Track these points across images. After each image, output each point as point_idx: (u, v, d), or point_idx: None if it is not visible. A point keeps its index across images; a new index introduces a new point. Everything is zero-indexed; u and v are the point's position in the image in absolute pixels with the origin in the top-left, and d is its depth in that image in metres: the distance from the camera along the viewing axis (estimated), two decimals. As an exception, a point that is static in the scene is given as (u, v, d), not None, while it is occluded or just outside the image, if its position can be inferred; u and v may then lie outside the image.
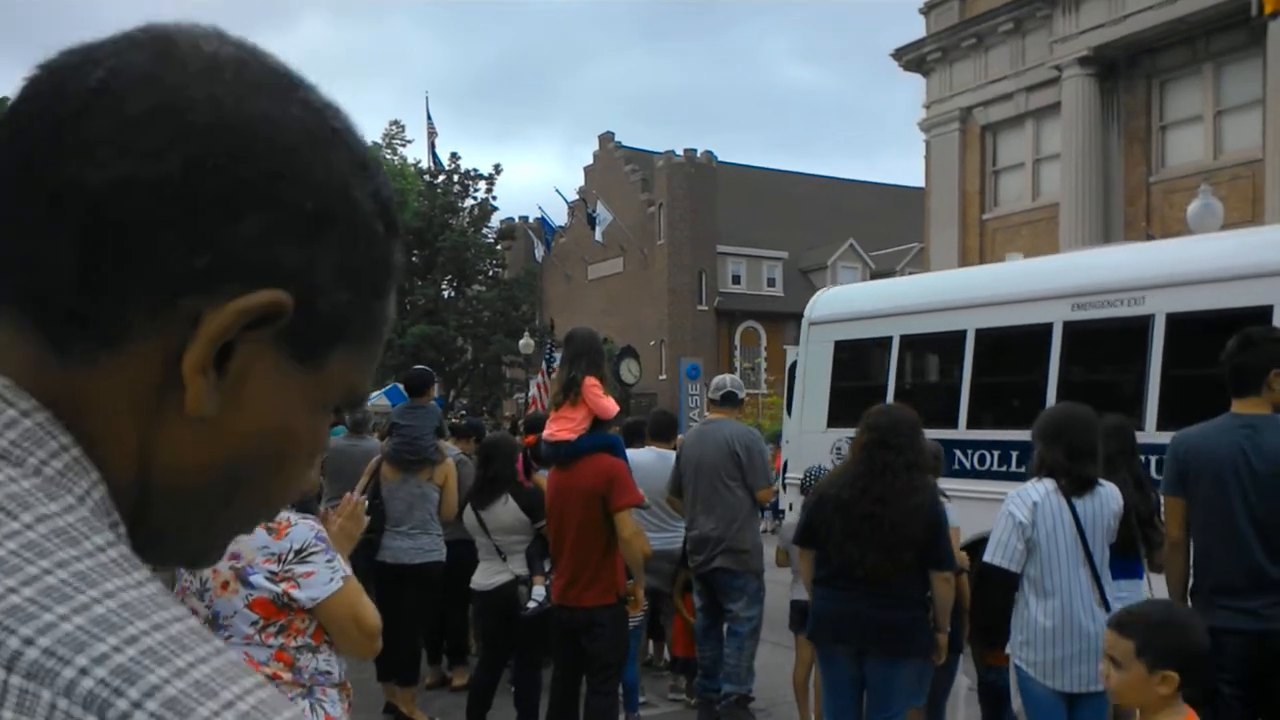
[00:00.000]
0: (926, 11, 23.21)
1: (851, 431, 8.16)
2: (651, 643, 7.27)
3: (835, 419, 8.95)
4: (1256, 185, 16.87)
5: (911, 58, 23.33)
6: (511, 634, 5.43)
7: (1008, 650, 3.97)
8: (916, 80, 23.59)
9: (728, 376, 6.68)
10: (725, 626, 6.02)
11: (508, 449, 5.71)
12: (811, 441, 9.11)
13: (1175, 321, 6.81)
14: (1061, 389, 7.16)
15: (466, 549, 5.82)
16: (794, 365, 12.24)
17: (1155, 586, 4.42)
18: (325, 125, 0.56)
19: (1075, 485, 3.78)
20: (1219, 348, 3.71)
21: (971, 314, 8.32)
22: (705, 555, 5.95)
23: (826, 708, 4.31)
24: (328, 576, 2.44)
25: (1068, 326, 7.48)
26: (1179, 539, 3.63)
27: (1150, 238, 16.65)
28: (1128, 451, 4.56)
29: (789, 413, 11.69)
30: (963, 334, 8.28)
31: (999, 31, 21.34)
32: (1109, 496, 3.85)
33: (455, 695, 6.40)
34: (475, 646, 6.69)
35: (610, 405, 4.69)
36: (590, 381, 4.65)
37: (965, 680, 4.82)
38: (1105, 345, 7.55)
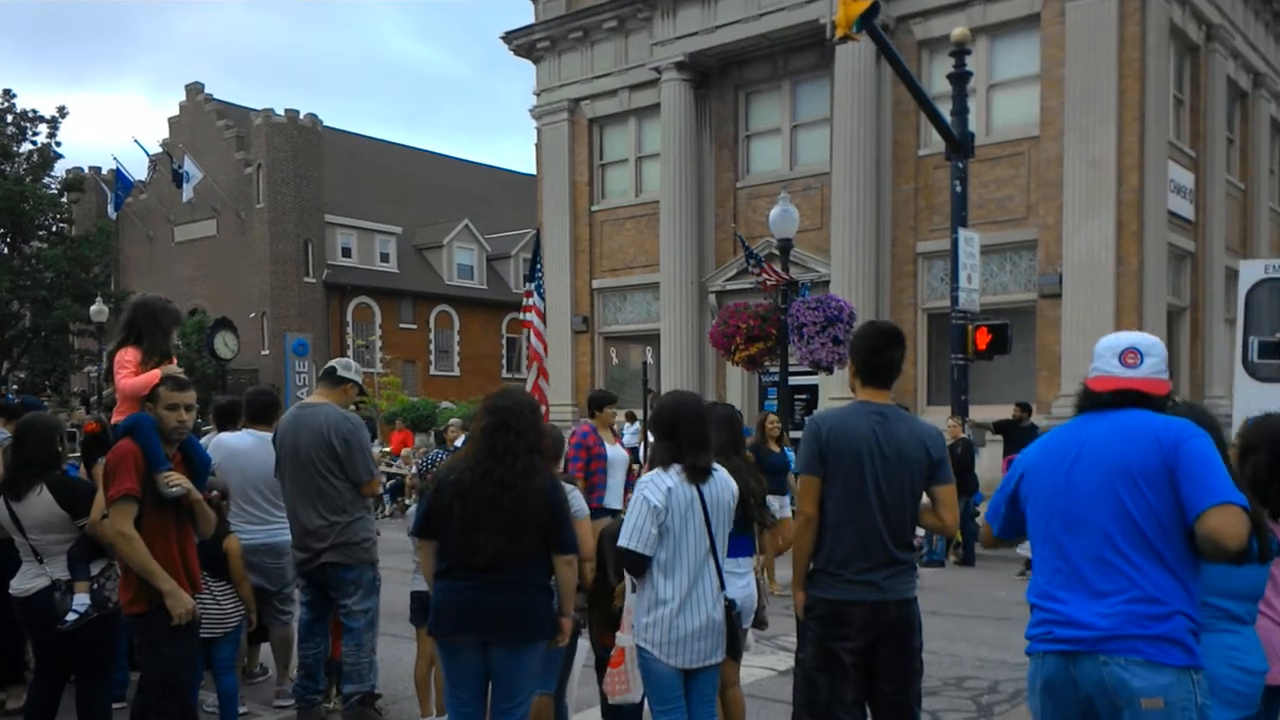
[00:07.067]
0: (535, -2, 23.59)
1: None
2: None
3: None
4: (825, 195, 19.05)
5: (521, 43, 23.64)
6: (63, 646, 4.74)
7: (620, 633, 4.08)
8: (530, 67, 23.97)
9: (346, 359, 6.18)
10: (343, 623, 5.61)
11: (44, 429, 4.88)
12: None
13: None
14: None
15: (14, 549, 5.00)
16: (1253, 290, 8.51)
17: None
18: None
19: (694, 474, 3.98)
20: None
21: None
22: (311, 551, 5.50)
23: (449, 701, 4.15)
24: None
25: None
26: (813, 515, 3.78)
27: (739, 238, 18.26)
28: (737, 440, 5.02)
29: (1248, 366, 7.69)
30: None
31: (603, 28, 22.18)
32: (725, 482, 4.12)
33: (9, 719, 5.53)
34: (34, 662, 5.77)
35: (131, 383, 4.12)
36: (121, 356, 4.10)
37: (580, 658, 4.88)
38: None
